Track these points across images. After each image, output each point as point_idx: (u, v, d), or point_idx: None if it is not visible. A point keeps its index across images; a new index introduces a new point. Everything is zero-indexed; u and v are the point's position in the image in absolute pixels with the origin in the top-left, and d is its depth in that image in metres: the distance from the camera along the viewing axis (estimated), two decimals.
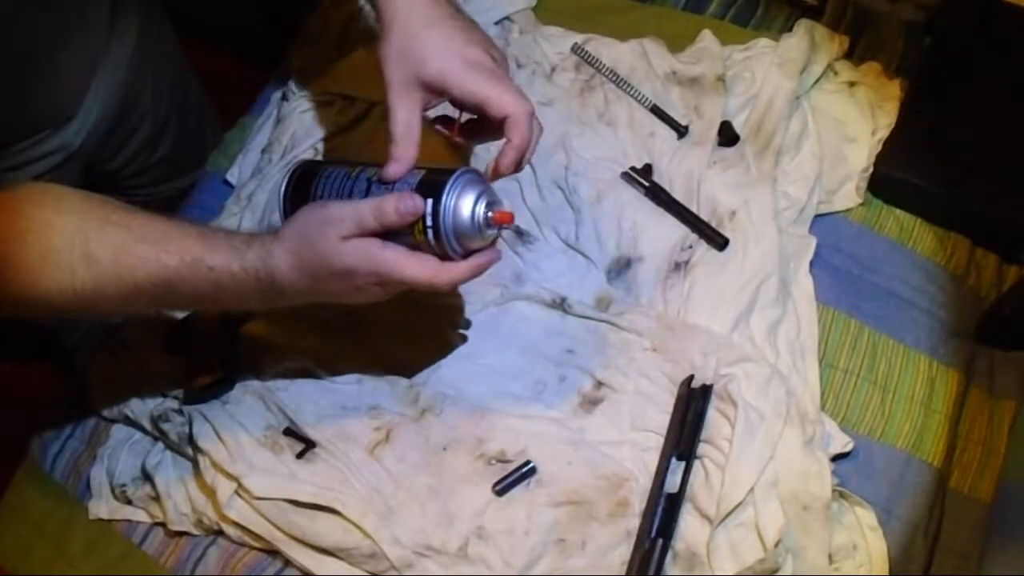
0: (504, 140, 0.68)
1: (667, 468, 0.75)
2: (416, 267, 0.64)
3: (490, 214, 0.66)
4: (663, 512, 0.74)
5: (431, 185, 0.66)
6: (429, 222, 0.65)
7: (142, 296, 0.67)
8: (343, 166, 0.72)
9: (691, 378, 0.79)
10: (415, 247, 0.66)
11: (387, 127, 0.69)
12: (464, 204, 0.65)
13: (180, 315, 0.89)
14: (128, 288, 0.66)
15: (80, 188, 0.69)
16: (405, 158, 0.68)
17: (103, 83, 0.89)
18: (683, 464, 0.75)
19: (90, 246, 0.65)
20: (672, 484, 0.75)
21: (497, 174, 0.69)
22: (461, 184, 0.66)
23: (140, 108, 0.98)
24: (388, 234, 0.65)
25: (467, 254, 0.67)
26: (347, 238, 0.63)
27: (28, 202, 0.66)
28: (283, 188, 0.74)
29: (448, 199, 0.65)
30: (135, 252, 0.65)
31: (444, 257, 0.66)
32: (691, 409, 0.77)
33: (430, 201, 0.65)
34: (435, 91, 0.69)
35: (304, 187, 0.73)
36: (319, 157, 0.96)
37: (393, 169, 0.67)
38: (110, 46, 0.89)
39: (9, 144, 0.82)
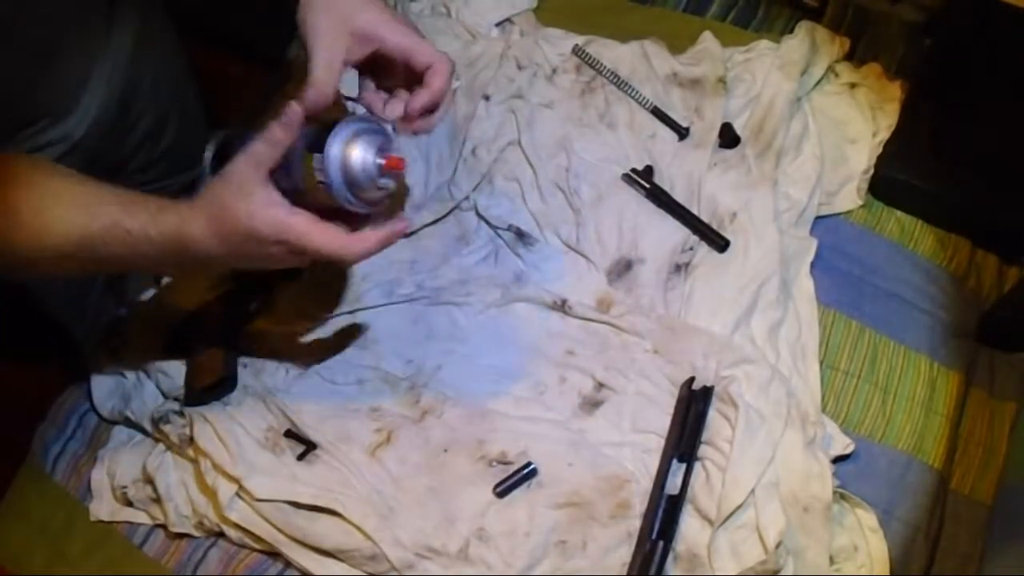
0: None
1: (668, 470, 0.75)
2: (323, 237, 0.63)
3: (379, 161, 0.64)
4: (664, 513, 0.74)
5: (318, 135, 0.64)
6: (320, 177, 0.63)
7: (70, 258, 0.68)
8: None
9: (692, 380, 0.79)
10: (321, 210, 0.64)
11: (308, 69, 0.69)
12: (352, 152, 0.63)
13: (181, 316, 0.89)
14: (54, 249, 0.67)
15: None
16: (325, 88, 0.68)
17: (104, 74, 0.89)
18: (684, 466, 0.75)
19: (17, 206, 0.66)
20: (673, 486, 0.75)
21: (410, 119, 0.70)
22: (346, 132, 0.63)
23: (141, 100, 0.98)
24: (296, 196, 0.63)
25: (369, 205, 0.65)
26: (252, 191, 0.62)
27: None
28: (208, 162, 0.73)
29: (333, 148, 0.62)
30: (57, 214, 0.66)
31: (347, 215, 0.64)
32: (692, 411, 0.77)
33: (317, 156, 0.63)
34: (363, 39, 0.70)
35: (227, 158, 0.71)
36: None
37: (311, 94, 0.67)
38: (110, 37, 0.89)
39: (9, 134, 0.82)
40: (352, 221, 0.66)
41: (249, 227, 0.63)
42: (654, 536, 0.73)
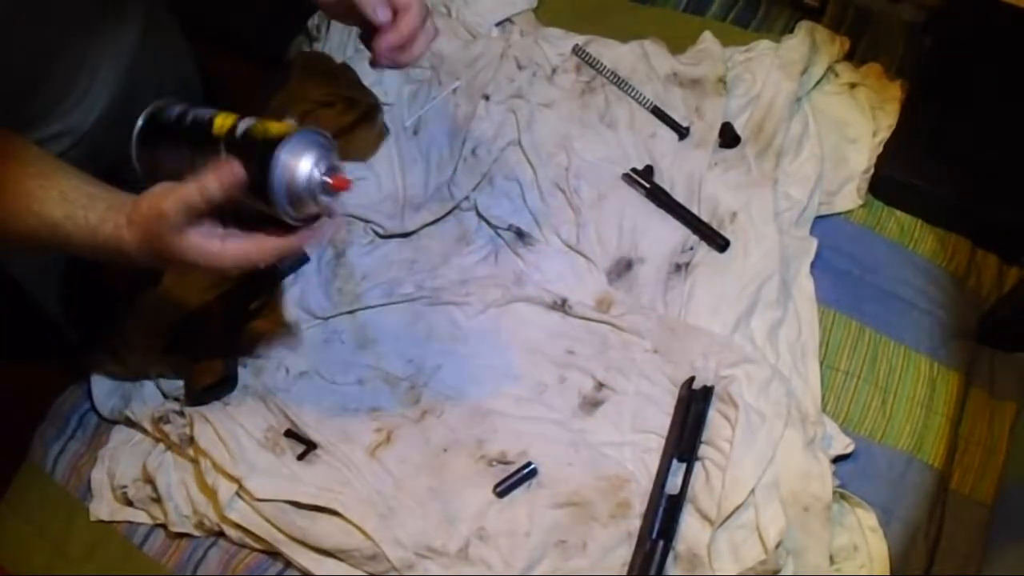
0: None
1: (668, 469, 0.75)
2: (257, 253, 0.64)
3: (327, 179, 0.62)
4: (664, 513, 0.74)
5: (265, 144, 0.62)
6: (260, 186, 0.62)
7: (12, 242, 0.71)
8: (183, 112, 0.70)
9: (692, 379, 0.79)
10: (250, 212, 0.64)
11: None
12: (298, 165, 0.62)
13: (181, 316, 0.89)
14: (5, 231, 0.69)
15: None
16: None
17: (109, 69, 0.89)
18: (684, 465, 0.75)
19: None
20: (673, 485, 0.75)
21: (376, 57, 0.73)
22: (296, 144, 0.62)
23: (147, 95, 0.98)
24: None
25: (303, 220, 0.64)
26: (184, 230, 0.63)
27: None
28: (134, 139, 0.72)
29: (280, 159, 0.61)
30: (3, 204, 0.68)
31: (280, 219, 0.64)
32: (692, 410, 0.77)
33: (262, 161, 0.61)
34: None
35: (153, 139, 0.72)
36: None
37: None
38: (116, 32, 0.89)
39: (15, 128, 0.82)
40: (279, 226, 0.66)
41: (182, 259, 0.65)
42: (654, 536, 0.73)
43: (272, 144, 0.62)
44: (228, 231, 0.65)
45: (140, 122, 0.72)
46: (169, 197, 0.64)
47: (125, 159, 1.02)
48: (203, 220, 0.64)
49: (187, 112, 0.70)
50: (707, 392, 0.78)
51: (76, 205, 0.68)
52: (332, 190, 0.63)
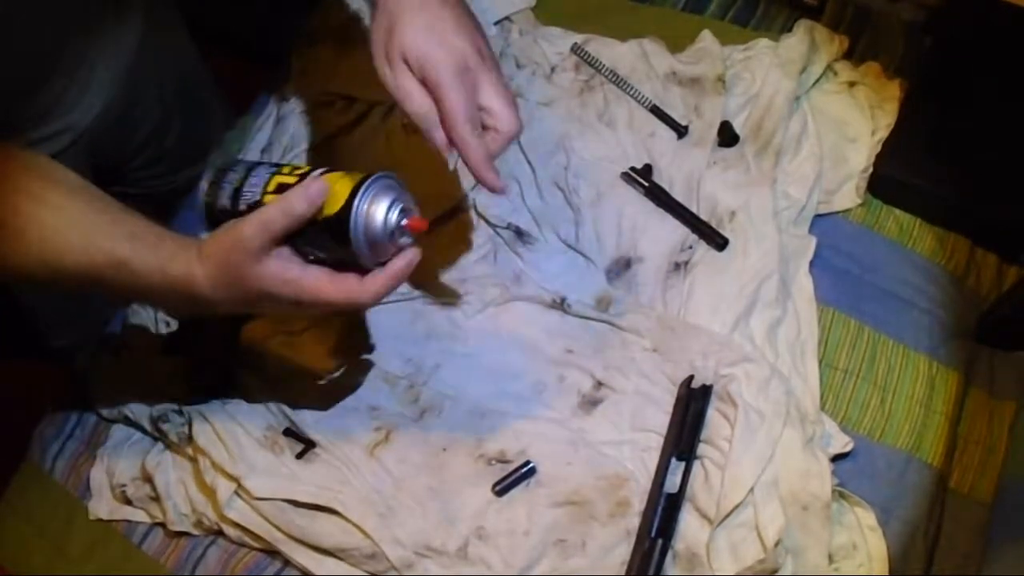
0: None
1: (667, 468, 0.75)
2: (334, 290, 0.63)
3: (404, 222, 0.64)
4: (663, 512, 0.74)
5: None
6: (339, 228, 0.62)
7: (69, 281, 0.66)
8: (235, 193, 0.69)
9: (691, 378, 0.79)
10: (334, 258, 0.64)
11: (406, 109, 0.67)
12: (375, 211, 0.62)
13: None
14: (53, 272, 0.65)
15: (88, 178, 0.69)
16: (435, 120, 0.67)
17: (109, 68, 0.89)
18: (683, 464, 0.75)
19: (19, 222, 0.64)
20: (672, 484, 0.75)
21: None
22: (372, 190, 0.63)
23: (147, 96, 0.98)
24: (306, 240, 0.63)
25: (382, 261, 0.65)
26: (262, 257, 0.62)
27: None
28: (201, 195, 0.70)
29: (359, 207, 0.62)
30: (64, 239, 0.65)
31: (359, 264, 0.64)
32: (691, 409, 0.77)
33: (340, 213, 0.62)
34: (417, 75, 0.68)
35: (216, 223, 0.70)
36: (243, 157, 0.95)
37: (438, 136, 0.67)
38: (116, 31, 0.89)
39: (13, 125, 0.82)
40: (362, 269, 0.65)
41: (260, 288, 0.62)
42: (653, 535, 0.73)
43: (352, 191, 0.62)
44: (309, 264, 0.64)
45: (205, 183, 0.70)
46: (248, 221, 0.62)
47: (125, 159, 1.02)
48: (283, 248, 0.62)
49: (239, 192, 0.68)
50: (706, 391, 0.78)
51: (145, 243, 0.65)
52: (410, 232, 0.64)
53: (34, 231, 0.65)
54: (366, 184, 0.63)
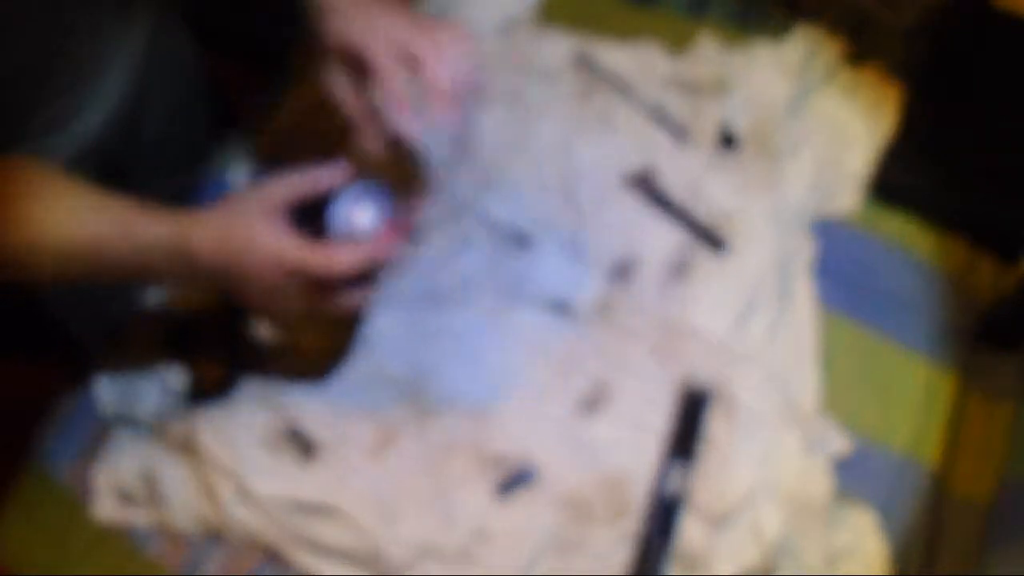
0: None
1: (667, 470, 0.75)
2: (312, 256, 0.64)
3: (381, 226, 0.67)
4: (663, 514, 0.74)
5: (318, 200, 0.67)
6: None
7: (73, 260, 0.68)
8: None
9: (691, 380, 0.79)
10: None
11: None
12: (356, 216, 0.66)
13: (182, 315, 0.89)
14: (56, 250, 0.67)
15: (96, 181, 0.71)
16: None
17: (116, 71, 0.90)
18: (682, 466, 0.75)
19: (21, 214, 0.66)
20: (672, 486, 0.75)
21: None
22: (353, 193, 0.66)
23: (152, 100, 0.99)
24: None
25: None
26: (258, 220, 0.64)
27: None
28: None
29: (339, 210, 0.66)
30: (65, 215, 0.67)
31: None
32: (690, 412, 0.77)
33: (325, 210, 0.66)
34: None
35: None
36: None
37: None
38: (125, 33, 0.90)
39: (21, 130, 0.83)
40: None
41: (250, 251, 0.65)
42: (653, 537, 0.73)
43: (333, 196, 0.66)
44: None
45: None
46: (250, 189, 0.66)
47: (130, 163, 1.02)
48: (279, 219, 0.65)
49: None
50: (705, 392, 0.78)
51: (143, 209, 0.67)
52: (389, 238, 0.67)
53: (35, 216, 0.67)
54: (343, 191, 0.66)
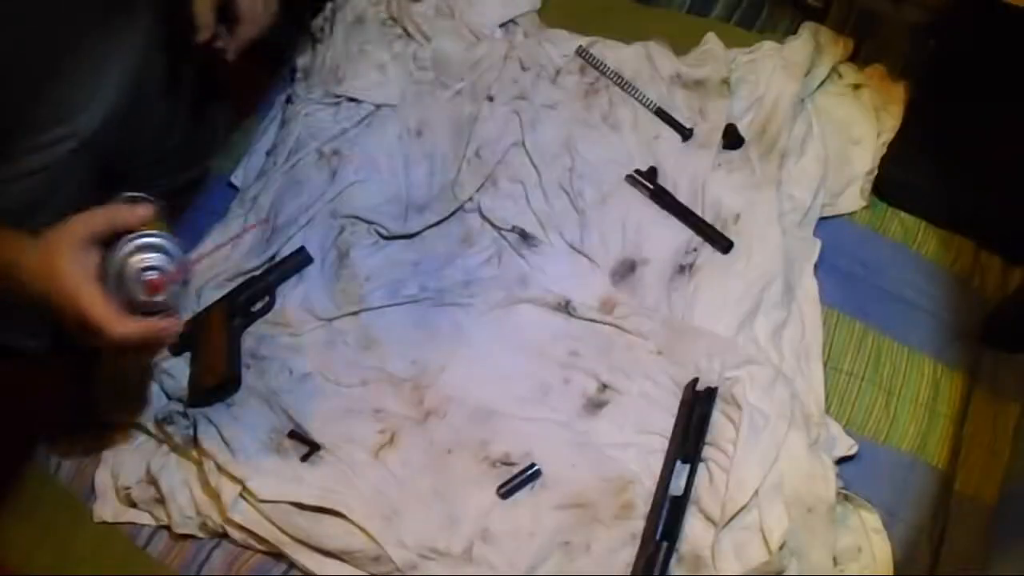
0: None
1: (672, 470, 0.75)
2: (94, 310, 0.66)
3: (145, 278, 0.68)
4: (668, 514, 0.73)
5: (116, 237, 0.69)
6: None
7: None
8: None
9: (695, 380, 0.79)
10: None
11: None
12: (127, 263, 0.67)
13: (185, 317, 0.89)
14: None
15: (96, 179, 0.73)
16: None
17: (116, 71, 0.90)
18: (688, 466, 0.75)
19: None
20: (677, 487, 0.75)
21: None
22: (133, 244, 0.68)
23: (151, 99, 0.99)
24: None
25: (151, 309, 0.69)
26: (76, 252, 0.66)
27: None
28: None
29: (116, 255, 0.67)
30: None
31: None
32: (695, 411, 0.77)
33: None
34: None
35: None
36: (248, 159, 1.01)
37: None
38: (125, 33, 0.90)
39: (22, 131, 0.83)
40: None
41: (59, 280, 0.66)
42: (658, 537, 0.73)
43: (116, 239, 0.68)
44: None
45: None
46: (76, 216, 0.67)
47: (130, 162, 1.02)
48: (96, 255, 0.67)
49: None
50: (711, 393, 0.78)
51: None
52: (151, 289, 0.68)
53: None
54: (130, 236, 0.68)
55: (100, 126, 0.88)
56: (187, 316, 0.89)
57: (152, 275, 0.68)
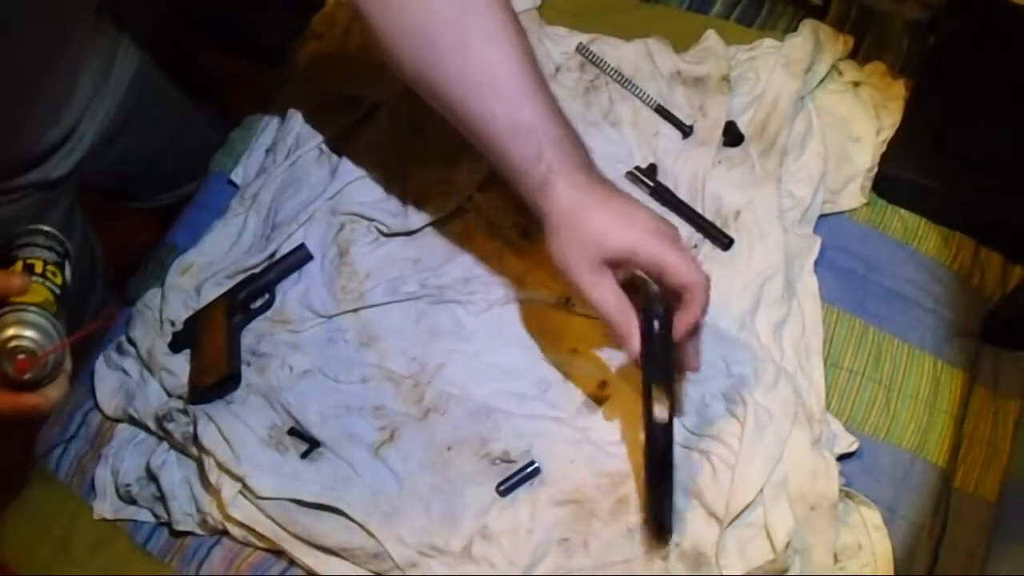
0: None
1: (650, 399, 0.69)
2: None
3: (16, 355, 0.65)
4: (659, 445, 0.69)
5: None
6: None
7: None
8: None
9: (645, 310, 0.70)
10: None
11: (602, 317, 0.67)
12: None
13: (185, 314, 0.89)
14: None
15: (101, 194, 0.72)
16: (633, 332, 0.67)
17: (114, 76, 0.90)
18: (664, 389, 0.69)
19: None
20: (660, 414, 0.68)
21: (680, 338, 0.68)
22: (22, 314, 0.66)
23: (141, 129, 0.99)
24: None
25: (28, 384, 0.67)
26: None
27: None
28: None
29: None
30: None
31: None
32: (654, 333, 0.69)
33: None
34: (618, 264, 0.67)
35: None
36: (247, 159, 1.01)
37: (634, 345, 0.67)
38: (120, 40, 0.90)
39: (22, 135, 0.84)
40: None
41: None
42: (658, 474, 0.70)
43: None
44: None
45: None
46: None
47: (125, 184, 1.03)
48: None
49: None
50: (662, 307, 0.69)
51: None
52: (17, 370, 0.65)
53: None
54: (22, 305, 0.67)
55: (97, 139, 0.89)
56: (187, 314, 0.90)
57: (21, 356, 0.66)
